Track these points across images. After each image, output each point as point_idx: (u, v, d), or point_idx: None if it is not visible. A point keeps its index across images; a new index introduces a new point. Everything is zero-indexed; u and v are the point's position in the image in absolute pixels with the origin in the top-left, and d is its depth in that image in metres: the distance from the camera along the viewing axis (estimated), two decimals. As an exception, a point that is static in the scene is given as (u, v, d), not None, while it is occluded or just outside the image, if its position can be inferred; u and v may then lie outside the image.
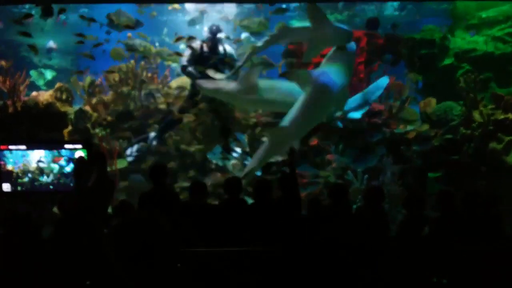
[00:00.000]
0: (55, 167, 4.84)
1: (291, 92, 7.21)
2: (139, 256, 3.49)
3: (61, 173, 4.80)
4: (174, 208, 4.86)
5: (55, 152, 4.75)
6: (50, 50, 12.20)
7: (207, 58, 7.75)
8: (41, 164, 4.82)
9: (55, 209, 7.07)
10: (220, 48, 7.85)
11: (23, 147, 4.72)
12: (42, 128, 8.24)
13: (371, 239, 4.52)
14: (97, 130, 8.80)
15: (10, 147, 4.68)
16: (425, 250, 4.54)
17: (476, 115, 8.40)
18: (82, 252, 4.04)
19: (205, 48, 7.79)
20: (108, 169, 7.94)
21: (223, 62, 7.83)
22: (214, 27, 7.86)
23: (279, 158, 8.64)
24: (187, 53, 7.89)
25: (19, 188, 4.77)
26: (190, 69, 7.78)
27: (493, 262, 4.36)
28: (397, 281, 4.31)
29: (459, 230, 4.72)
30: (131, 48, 8.72)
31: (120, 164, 8.55)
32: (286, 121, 6.64)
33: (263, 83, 7.54)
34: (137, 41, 9.00)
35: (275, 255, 4.26)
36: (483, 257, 4.41)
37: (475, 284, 4.35)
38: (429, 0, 8.27)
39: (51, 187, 4.88)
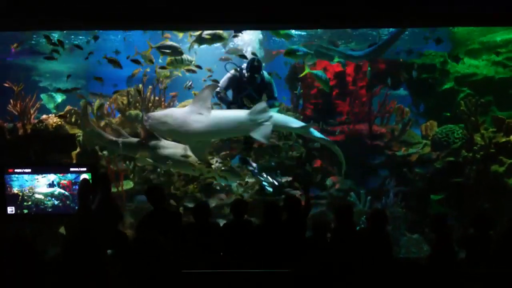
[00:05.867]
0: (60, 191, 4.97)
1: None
2: (142, 275, 3.61)
3: (65, 196, 4.94)
4: (176, 229, 4.99)
5: (61, 176, 4.90)
6: None
7: (244, 87, 7.84)
8: (46, 188, 4.94)
9: (62, 230, 7.26)
10: (258, 78, 7.86)
11: (28, 170, 4.86)
12: (51, 151, 8.39)
13: (375, 261, 4.59)
14: (104, 152, 8.97)
15: (16, 170, 4.82)
16: (428, 272, 4.60)
17: (478, 138, 8.47)
18: (86, 272, 4.13)
19: (244, 78, 7.82)
20: (114, 190, 8.12)
21: (259, 91, 7.84)
22: (256, 60, 7.77)
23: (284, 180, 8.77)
24: (224, 79, 7.95)
25: (25, 211, 4.89)
26: (222, 94, 7.85)
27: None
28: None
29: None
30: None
31: (126, 185, 8.70)
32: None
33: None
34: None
35: (281, 277, 4.35)
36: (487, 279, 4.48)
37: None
38: (427, 27, 8.42)
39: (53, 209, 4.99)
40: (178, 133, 7.36)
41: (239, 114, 7.36)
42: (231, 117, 7.36)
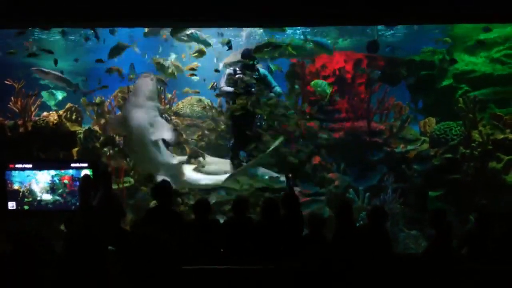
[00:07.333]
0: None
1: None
2: (143, 271, 3.67)
3: (66, 192, 4.98)
4: (178, 225, 5.04)
5: (62, 171, 4.94)
6: None
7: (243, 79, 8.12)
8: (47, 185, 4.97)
9: (62, 227, 7.30)
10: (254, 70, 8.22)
11: (30, 166, 4.90)
12: (52, 148, 8.43)
13: (374, 257, 4.65)
14: (105, 149, 9.00)
15: (17, 166, 4.85)
16: (426, 268, 4.66)
17: (476, 134, 8.52)
18: (88, 268, 4.19)
19: (239, 71, 8.18)
20: (115, 187, 8.16)
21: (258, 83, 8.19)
22: (247, 51, 8.15)
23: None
24: (223, 77, 8.28)
25: (25, 207, 4.92)
26: (225, 88, 8.16)
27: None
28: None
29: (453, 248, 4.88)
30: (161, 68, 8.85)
31: (127, 182, 8.74)
32: None
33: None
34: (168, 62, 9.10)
35: (279, 273, 4.40)
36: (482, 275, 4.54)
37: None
38: (427, 24, 8.46)
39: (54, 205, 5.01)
40: (125, 113, 7.75)
41: (167, 153, 7.89)
42: (159, 149, 7.79)
